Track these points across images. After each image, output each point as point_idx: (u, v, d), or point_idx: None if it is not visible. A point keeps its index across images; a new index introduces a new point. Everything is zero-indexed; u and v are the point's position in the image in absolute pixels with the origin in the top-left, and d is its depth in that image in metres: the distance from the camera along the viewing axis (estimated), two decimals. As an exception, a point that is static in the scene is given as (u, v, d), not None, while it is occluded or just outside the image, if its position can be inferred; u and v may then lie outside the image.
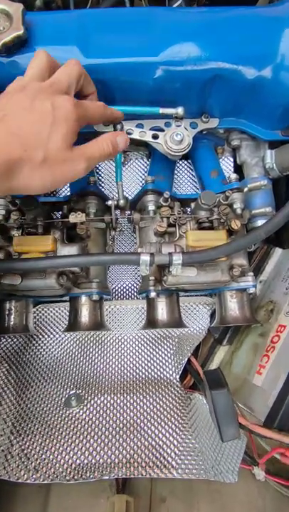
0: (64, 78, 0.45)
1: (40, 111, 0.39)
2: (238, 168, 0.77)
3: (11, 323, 0.59)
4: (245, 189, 0.65)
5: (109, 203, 0.61)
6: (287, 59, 0.58)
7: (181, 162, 0.81)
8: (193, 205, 0.61)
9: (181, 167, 0.81)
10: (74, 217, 0.52)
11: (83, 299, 0.60)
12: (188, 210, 0.60)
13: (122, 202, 0.62)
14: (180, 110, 0.60)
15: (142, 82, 0.59)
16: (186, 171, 0.81)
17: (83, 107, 0.44)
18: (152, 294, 0.59)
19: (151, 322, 0.61)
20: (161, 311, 0.61)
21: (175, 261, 0.50)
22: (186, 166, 0.81)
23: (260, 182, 0.70)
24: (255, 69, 0.58)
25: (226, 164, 0.80)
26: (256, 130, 0.70)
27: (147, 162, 0.80)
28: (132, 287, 0.75)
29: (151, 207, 0.62)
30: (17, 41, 0.52)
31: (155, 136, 0.63)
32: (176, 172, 0.81)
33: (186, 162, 0.81)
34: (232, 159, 0.80)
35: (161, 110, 0.61)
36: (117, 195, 0.62)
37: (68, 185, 0.72)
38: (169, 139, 0.61)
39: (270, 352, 0.56)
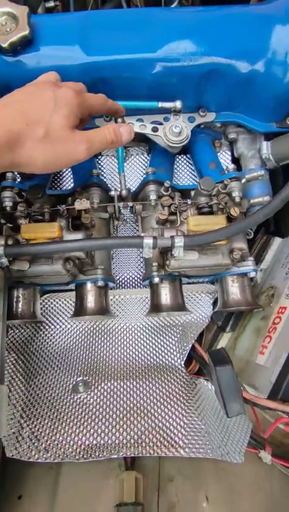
0: (71, 83, 0.48)
1: (43, 96, 0.42)
2: (236, 162, 0.80)
3: (19, 309, 0.60)
4: (243, 180, 0.67)
5: (112, 193, 0.64)
6: (278, 54, 0.61)
7: (180, 157, 0.84)
8: (193, 193, 0.63)
9: (180, 162, 0.84)
10: (79, 204, 0.55)
11: (89, 285, 0.62)
12: (189, 200, 0.63)
13: (124, 192, 0.64)
14: (178, 104, 0.63)
15: (141, 78, 0.62)
16: (185, 165, 0.84)
17: (84, 96, 0.47)
18: (156, 280, 0.61)
19: (155, 307, 0.63)
20: (165, 296, 0.62)
21: (177, 243, 0.52)
22: (185, 161, 0.84)
23: (258, 172, 0.72)
24: (248, 63, 0.62)
25: (224, 158, 0.83)
26: (252, 123, 0.73)
27: (148, 157, 0.83)
28: (136, 278, 0.77)
29: (152, 196, 0.65)
30: (23, 41, 0.56)
31: (155, 129, 0.66)
32: (176, 167, 0.83)
33: (185, 157, 0.84)
34: (229, 153, 0.82)
35: (160, 104, 0.63)
36: (119, 188, 0.65)
37: (72, 178, 0.75)
38: (168, 131, 0.64)
39: (272, 333, 0.58)
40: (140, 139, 0.83)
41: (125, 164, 0.82)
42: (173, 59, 0.59)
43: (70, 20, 0.60)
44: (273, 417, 0.54)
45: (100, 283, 0.60)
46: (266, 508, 0.56)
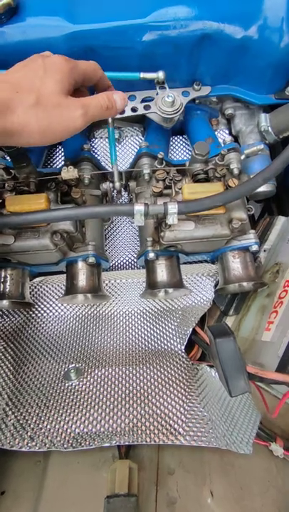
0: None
1: (33, 65, 0.41)
2: (234, 141, 0.77)
3: (7, 290, 0.57)
4: (243, 156, 0.64)
5: (105, 186, 0.61)
6: (271, 18, 0.59)
7: (176, 137, 0.81)
8: (187, 163, 0.59)
9: (176, 142, 0.81)
10: (66, 172, 0.52)
11: (80, 264, 0.59)
12: (186, 163, 0.59)
13: (117, 185, 0.61)
14: (161, 74, 0.60)
15: (131, 48, 0.60)
16: (182, 146, 0.81)
17: (75, 62, 0.45)
18: (151, 255, 0.57)
19: (151, 284, 0.58)
20: (161, 273, 0.58)
21: (170, 209, 0.49)
22: (181, 142, 0.81)
23: (257, 147, 0.69)
24: (241, 28, 0.59)
25: (221, 137, 0.80)
26: (249, 95, 0.70)
27: (142, 139, 0.80)
28: (132, 262, 0.73)
29: (146, 170, 0.62)
30: (7, 9, 0.54)
31: (147, 106, 0.63)
32: (172, 148, 0.81)
33: (181, 137, 0.81)
34: (227, 131, 0.79)
35: (142, 75, 0.60)
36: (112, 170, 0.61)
37: (63, 155, 0.72)
38: (161, 102, 0.61)
39: (279, 307, 0.53)
40: (134, 120, 0.80)
41: (120, 146, 0.79)
42: (163, 24, 0.57)
43: (57, -10, 0.59)
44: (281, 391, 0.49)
45: (91, 259, 0.57)
46: (279, 507, 0.50)
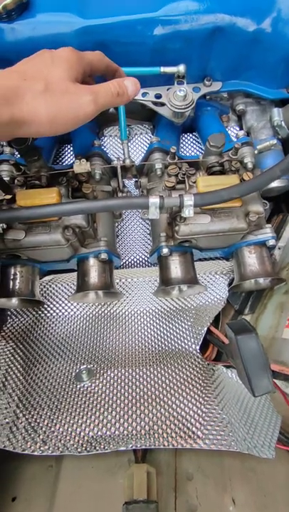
0: None
1: (40, 56, 0.41)
2: (246, 136, 0.75)
3: (16, 287, 0.55)
4: (255, 151, 0.62)
5: (115, 162, 0.60)
6: (285, 10, 0.58)
7: (186, 135, 0.80)
8: (201, 156, 0.58)
9: (187, 139, 0.80)
10: (78, 165, 0.51)
11: (91, 261, 0.57)
12: (200, 156, 0.58)
13: (128, 161, 0.60)
14: (181, 68, 0.60)
15: (142, 43, 0.59)
16: (192, 143, 0.80)
17: (81, 52, 0.45)
18: (164, 251, 0.56)
19: (164, 281, 0.57)
20: (175, 269, 0.56)
21: (186, 201, 0.47)
22: (192, 139, 0.80)
23: (270, 142, 0.67)
24: (253, 21, 0.58)
25: (232, 134, 0.78)
26: (261, 90, 0.69)
27: (152, 137, 0.79)
28: (144, 260, 0.71)
29: (158, 165, 0.60)
30: (18, 4, 0.54)
31: (158, 96, 0.63)
32: (182, 145, 0.80)
33: (191, 135, 0.80)
34: (238, 128, 0.78)
35: (162, 69, 0.60)
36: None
37: (72, 154, 0.71)
38: (173, 96, 0.60)
39: (299, 303, 0.51)
40: (143, 117, 0.80)
41: (129, 144, 0.78)
42: (174, 18, 0.57)
43: (68, -14, 0.59)
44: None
45: (103, 255, 0.55)
46: (305, 516, 0.47)
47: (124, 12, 0.56)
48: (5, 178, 0.56)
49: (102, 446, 0.45)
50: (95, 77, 0.51)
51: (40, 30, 0.57)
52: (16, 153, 0.60)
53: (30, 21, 0.57)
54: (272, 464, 0.49)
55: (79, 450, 0.45)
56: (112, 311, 0.67)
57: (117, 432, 0.48)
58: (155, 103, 0.64)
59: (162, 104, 0.64)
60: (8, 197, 0.54)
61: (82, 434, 0.48)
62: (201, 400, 0.52)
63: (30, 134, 0.39)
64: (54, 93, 0.38)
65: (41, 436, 0.47)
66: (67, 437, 0.47)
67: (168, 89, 0.64)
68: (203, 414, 0.50)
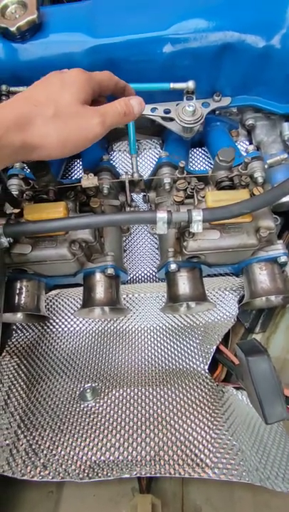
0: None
1: (49, 80, 0.43)
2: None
3: (22, 302, 0.54)
4: (266, 166, 0.62)
5: (123, 176, 0.59)
6: (295, 27, 0.58)
7: (196, 150, 0.80)
8: (210, 171, 0.57)
9: (196, 154, 0.80)
10: (86, 179, 0.50)
11: (98, 275, 0.56)
12: (209, 171, 0.57)
13: (136, 175, 0.60)
14: (191, 84, 0.60)
15: (152, 60, 0.60)
16: (202, 158, 0.79)
17: (89, 73, 0.46)
18: (172, 266, 0.54)
19: (172, 298, 0.55)
20: (183, 286, 0.55)
21: (195, 217, 0.46)
22: (201, 153, 0.80)
23: (280, 156, 0.66)
24: (263, 38, 0.59)
25: (242, 149, 0.78)
26: (271, 105, 0.68)
27: (161, 151, 0.79)
28: (151, 275, 0.70)
29: (166, 180, 0.60)
30: (31, 25, 0.56)
31: (167, 112, 0.63)
32: (191, 160, 0.79)
33: (201, 150, 0.80)
34: (247, 143, 0.78)
35: (172, 85, 0.61)
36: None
37: (81, 168, 0.72)
38: (182, 111, 0.60)
39: (313, 323, 0.48)
40: (153, 132, 0.80)
41: (138, 158, 0.78)
42: (184, 36, 0.57)
43: (78, 8, 0.60)
44: None
45: (110, 271, 0.54)
46: None
47: (133, 31, 0.57)
48: (14, 192, 0.57)
49: (104, 473, 0.43)
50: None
51: (52, 49, 0.59)
52: (26, 167, 0.60)
53: (43, 41, 0.58)
54: (287, 498, 0.45)
55: (80, 476, 0.43)
56: (118, 327, 0.66)
57: (120, 457, 0.45)
58: (164, 118, 0.65)
59: (171, 119, 0.64)
60: (17, 211, 0.54)
61: (84, 458, 0.45)
62: (209, 424, 0.50)
63: (42, 158, 0.41)
64: (64, 117, 0.40)
65: (42, 460, 0.45)
66: (69, 461, 0.45)
67: (177, 105, 0.64)
68: (212, 440, 0.47)
